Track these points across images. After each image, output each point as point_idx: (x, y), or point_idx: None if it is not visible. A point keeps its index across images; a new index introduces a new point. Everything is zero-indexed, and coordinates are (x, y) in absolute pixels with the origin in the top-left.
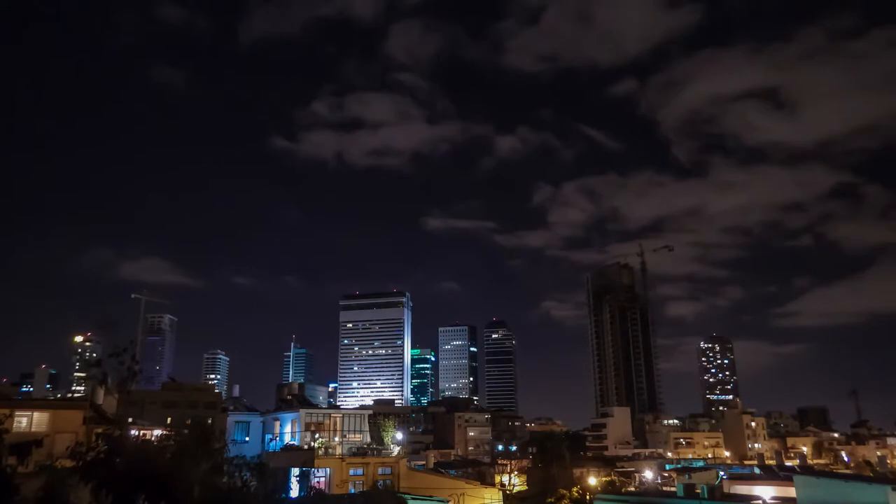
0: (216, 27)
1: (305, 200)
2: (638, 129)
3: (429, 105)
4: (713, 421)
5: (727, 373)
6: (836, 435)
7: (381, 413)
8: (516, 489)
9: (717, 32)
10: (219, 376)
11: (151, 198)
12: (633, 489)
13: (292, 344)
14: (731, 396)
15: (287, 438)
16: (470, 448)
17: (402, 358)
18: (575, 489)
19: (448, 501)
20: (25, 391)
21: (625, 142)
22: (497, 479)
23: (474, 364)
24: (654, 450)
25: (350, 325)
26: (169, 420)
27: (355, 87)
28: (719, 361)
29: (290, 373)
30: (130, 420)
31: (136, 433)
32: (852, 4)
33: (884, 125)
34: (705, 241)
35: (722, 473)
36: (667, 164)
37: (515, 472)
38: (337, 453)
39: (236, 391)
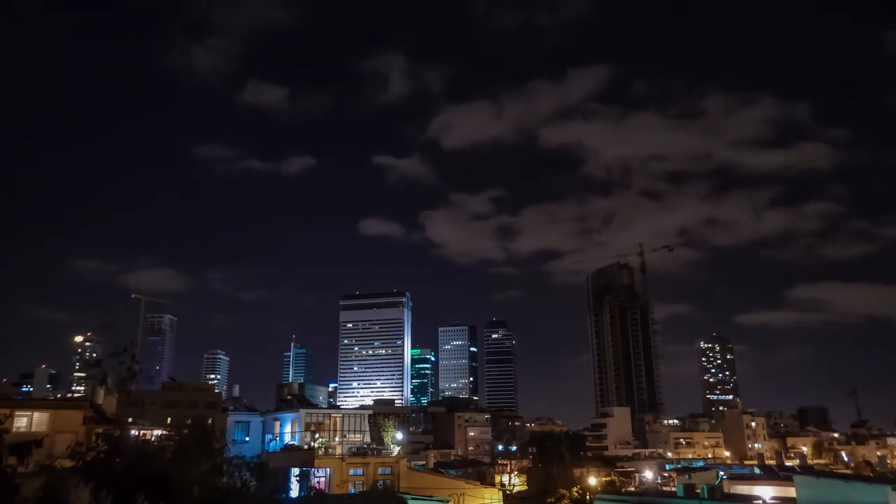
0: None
1: (304, 200)
2: None
3: None
4: (713, 421)
5: (727, 373)
6: (836, 435)
7: (381, 413)
8: (516, 489)
9: None
10: (219, 376)
11: (150, 200)
12: (633, 489)
13: (292, 344)
14: (731, 396)
15: (287, 438)
16: (470, 448)
17: (402, 358)
18: (575, 489)
19: (448, 501)
20: (25, 391)
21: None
22: (497, 479)
23: (474, 364)
24: (654, 450)
25: (350, 325)
26: (169, 420)
27: None
28: (719, 362)
29: (290, 373)
30: (130, 420)
31: (136, 433)
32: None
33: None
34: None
35: (722, 473)
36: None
37: (515, 472)
38: (337, 453)
39: (236, 391)
